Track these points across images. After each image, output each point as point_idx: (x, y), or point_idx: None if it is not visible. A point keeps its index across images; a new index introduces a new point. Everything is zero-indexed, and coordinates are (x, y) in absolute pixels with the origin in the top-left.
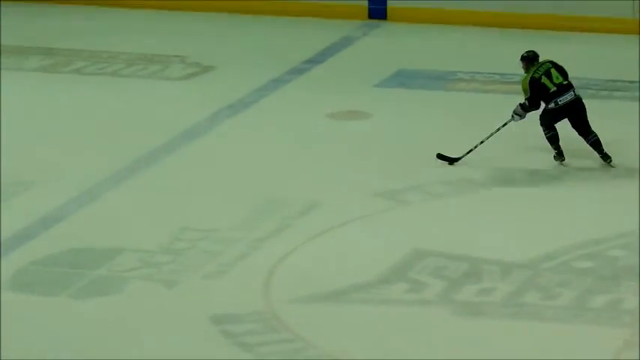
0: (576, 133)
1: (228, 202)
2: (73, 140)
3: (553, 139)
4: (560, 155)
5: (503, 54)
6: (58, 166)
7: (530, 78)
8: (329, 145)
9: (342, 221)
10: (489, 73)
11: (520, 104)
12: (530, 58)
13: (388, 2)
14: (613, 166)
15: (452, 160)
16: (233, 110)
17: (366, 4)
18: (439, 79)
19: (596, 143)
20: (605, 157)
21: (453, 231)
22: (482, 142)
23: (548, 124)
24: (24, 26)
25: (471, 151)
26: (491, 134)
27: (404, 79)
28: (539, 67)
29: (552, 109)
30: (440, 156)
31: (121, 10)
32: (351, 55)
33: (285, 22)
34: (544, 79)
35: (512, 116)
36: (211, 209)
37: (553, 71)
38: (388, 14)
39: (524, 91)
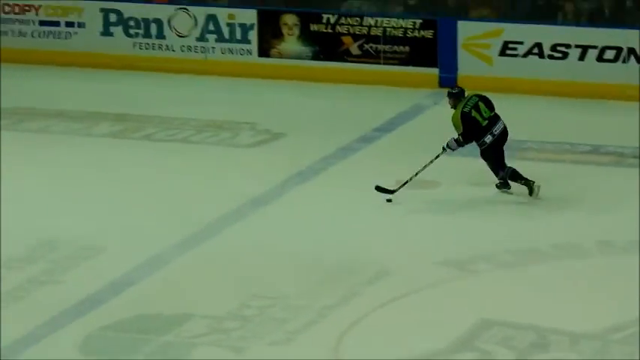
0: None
1: (297, 269)
2: (142, 206)
3: (515, 174)
4: (530, 184)
5: (572, 123)
6: (128, 232)
7: (461, 112)
8: (398, 214)
9: (410, 290)
10: (559, 143)
11: (454, 139)
12: (457, 94)
13: (459, 71)
14: (511, 193)
15: (389, 192)
16: (302, 177)
17: (436, 72)
18: (509, 149)
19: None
20: (506, 185)
21: (520, 301)
22: (416, 174)
23: (496, 163)
24: (95, 92)
25: (406, 182)
26: (425, 166)
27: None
28: (467, 101)
29: (491, 142)
30: (378, 188)
31: (191, 77)
32: (421, 124)
33: (355, 89)
34: (474, 113)
35: (444, 149)
36: (280, 276)
37: (481, 105)
38: (459, 83)
39: (456, 126)
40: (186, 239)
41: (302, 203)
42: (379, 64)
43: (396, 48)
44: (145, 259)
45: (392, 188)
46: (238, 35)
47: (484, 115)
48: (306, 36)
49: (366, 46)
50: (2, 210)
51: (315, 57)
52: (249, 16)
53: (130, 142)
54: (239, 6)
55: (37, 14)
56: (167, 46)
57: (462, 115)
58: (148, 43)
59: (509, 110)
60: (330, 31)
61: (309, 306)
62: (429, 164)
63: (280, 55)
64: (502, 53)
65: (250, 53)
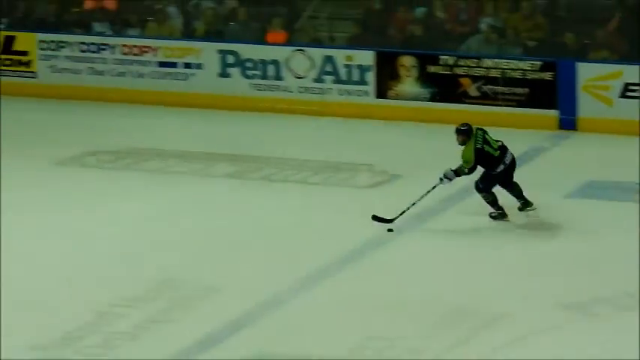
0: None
1: (414, 310)
2: (260, 246)
3: (495, 201)
4: (503, 214)
5: None
6: (245, 272)
7: (475, 150)
8: (517, 256)
9: (529, 332)
10: None
11: (452, 170)
12: (467, 131)
13: (579, 113)
14: (535, 208)
15: (386, 221)
16: (421, 219)
17: (556, 114)
18: (630, 191)
19: (520, 193)
20: (527, 204)
21: None
22: (413, 204)
23: (489, 188)
24: (212, 133)
25: (404, 212)
26: (422, 196)
27: (594, 190)
28: (476, 137)
29: (501, 171)
30: (375, 217)
31: (308, 118)
32: (540, 165)
33: None
34: (487, 148)
35: (442, 180)
36: (397, 317)
37: (488, 137)
38: (578, 125)
39: (468, 162)
40: (303, 280)
41: (420, 244)
42: (498, 105)
43: (514, 90)
44: (262, 299)
45: (389, 217)
46: (356, 76)
47: (494, 145)
48: (423, 77)
49: (485, 88)
50: (123, 249)
51: (433, 98)
52: (366, 57)
53: (247, 183)
54: (357, 47)
55: (155, 55)
56: (284, 87)
57: (476, 152)
58: (265, 84)
59: (629, 152)
60: (448, 72)
61: (428, 347)
62: (425, 194)
63: (398, 97)
64: (623, 95)
65: (368, 94)
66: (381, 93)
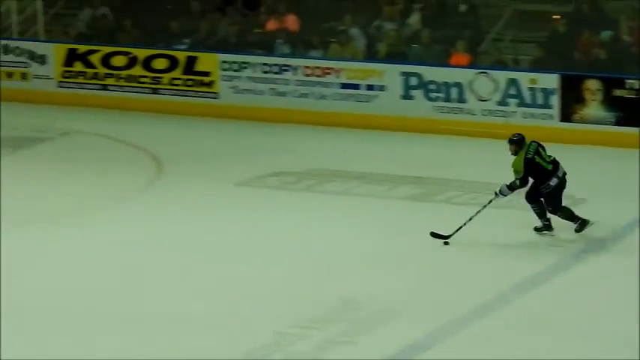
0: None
1: (581, 337)
2: (441, 268)
3: (573, 215)
4: (584, 222)
5: None
6: (424, 296)
7: (525, 159)
8: None
9: None
10: None
11: (507, 185)
12: (520, 141)
13: None
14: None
15: (444, 238)
16: (600, 245)
17: None
18: None
19: (545, 213)
20: (548, 227)
21: None
22: (470, 219)
23: (558, 205)
24: (395, 154)
25: (460, 228)
26: (478, 212)
27: None
28: (528, 147)
29: (556, 185)
30: (433, 234)
31: (492, 141)
32: None
33: None
34: (538, 159)
35: (497, 194)
36: (563, 344)
37: (541, 150)
38: None
39: (518, 172)
40: (482, 304)
41: (590, 275)
42: None
43: None
44: (442, 322)
45: (447, 234)
46: (540, 100)
47: (547, 159)
48: (609, 101)
49: None
50: (305, 270)
51: (618, 122)
52: (551, 80)
53: (429, 206)
54: (541, 70)
55: (337, 77)
56: (468, 109)
57: (525, 162)
58: (448, 107)
59: None
60: (634, 96)
61: None
62: (482, 209)
63: (582, 120)
64: None
65: (552, 118)
66: (566, 116)
